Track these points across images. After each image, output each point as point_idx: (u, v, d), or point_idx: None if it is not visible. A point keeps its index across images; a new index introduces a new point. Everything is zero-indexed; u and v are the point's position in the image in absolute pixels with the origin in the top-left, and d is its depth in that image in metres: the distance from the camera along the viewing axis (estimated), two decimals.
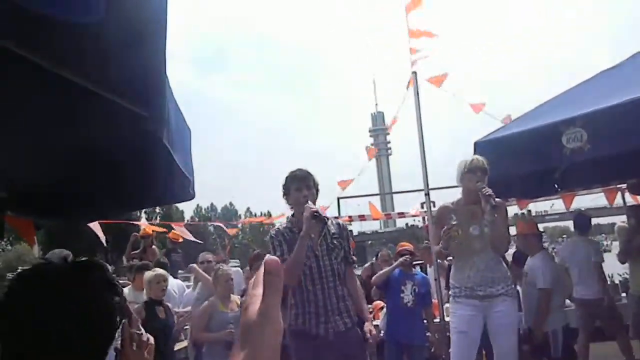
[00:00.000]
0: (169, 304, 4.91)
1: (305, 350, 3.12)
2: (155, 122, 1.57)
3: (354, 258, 3.41)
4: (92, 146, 2.25)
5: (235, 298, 4.74)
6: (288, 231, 3.27)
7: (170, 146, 1.69)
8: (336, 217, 3.47)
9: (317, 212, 3.08)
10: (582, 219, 6.12)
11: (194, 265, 5.69)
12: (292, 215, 3.38)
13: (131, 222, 8.51)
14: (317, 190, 3.34)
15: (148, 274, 4.56)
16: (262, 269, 0.65)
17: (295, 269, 3.10)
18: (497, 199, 3.56)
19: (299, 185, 3.26)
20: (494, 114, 5.94)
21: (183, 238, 8.08)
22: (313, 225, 3.08)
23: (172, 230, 8.13)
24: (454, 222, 3.57)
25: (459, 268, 3.72)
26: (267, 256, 0.66)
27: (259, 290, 0.63)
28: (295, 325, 3.16)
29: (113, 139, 2.08)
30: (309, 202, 3.17)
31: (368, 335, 3.24)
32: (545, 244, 5.85)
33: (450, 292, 3.84)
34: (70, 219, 3.35)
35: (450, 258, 4.03)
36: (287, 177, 3.34)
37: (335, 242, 3.28)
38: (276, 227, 3.45)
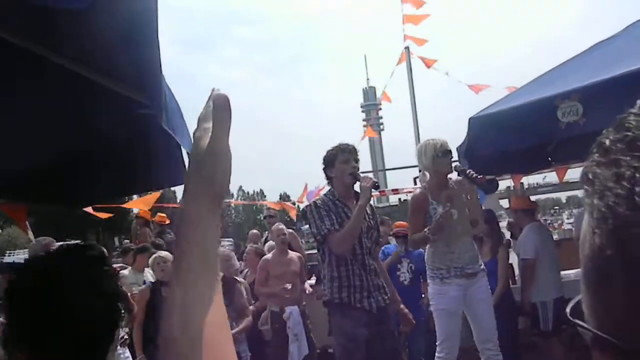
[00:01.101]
0: None
1: (349, 323, 3.15)
2: (152, 108, 1.55)
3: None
4: (89, 133, 2.22)
5: None
6: (331, 203, 3.29)
7: (171, 130, 1.67)
8: None
9: (377, 182, 3.17)
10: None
11: None
12: (330, 188, 3.42)
13: (123, 205, 8.43)
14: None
15: (153, 257, 4.60)
16: (211, 102, 0.66)
17: (352, 237, 3.14)
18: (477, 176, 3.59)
19: (348, 157, 3.29)
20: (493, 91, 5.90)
21: (171, 220, 8.02)
22: (370, 196, 3.17)
23: (158, 213, 8.06)
24: (447, 209, 3.51)
25: (444, 251, 3.68)
26: (215, 92, 0.67)
27: (209, 124, 0.65)
28: (340, 299, 3.18)
29: (110, 125, 2.05)
30: (364, 174, 3.27)
31: (408, 316, 3.48)
32: (538, 215, 5.89)
33: (432, 274, 3.78)
34: (63, 204, 3.32)
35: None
36: (333, 148, 3.34)
37: (371, 222, 3.36)
38: (318, 198, 3.46)
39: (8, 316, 1.08)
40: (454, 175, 3.76)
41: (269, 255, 5.26)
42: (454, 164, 3.64)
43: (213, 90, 0.68)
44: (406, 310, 3.56)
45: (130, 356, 3.86)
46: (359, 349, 3.10)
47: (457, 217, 3.63)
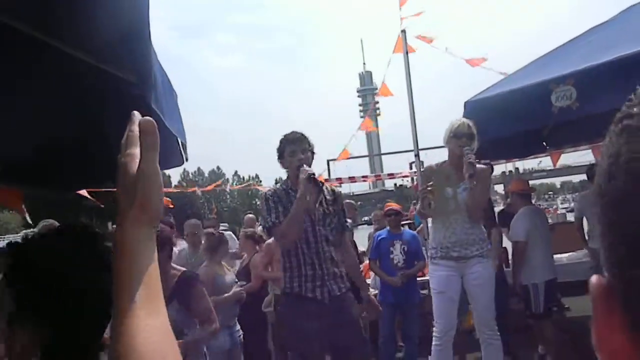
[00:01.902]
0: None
1: (301, 314, 3.12)
2: (142, 87, 1.54)
3: (348, 224, 3.42)
4: (80, 114, 2.21)
5: (223, 262, 4.80)
6: (284, 193, 3.22)
7: (159, 111, 1.66)
8: (327, 180, 3.45)
9: (313, 174, 3.04)
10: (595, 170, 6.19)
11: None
12: (287, 177, 3.34)
13: (113, 190, 8.41)
14: (313, 153, 3.29)
15: None
16: (135, 128, 0.66)
17: (292, 230, 3.08)
18: (481, 165, 3.58)
19: (294, 149, 3.20)
20: (492, 69, 5.85)
21: (173, 204, 8.05)
22: (309, 188, 3.05)
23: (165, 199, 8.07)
24: (430, 183, 3.57)
25: (437, 229, 3.75)
26: (137, 116, 0.67)
27: (136, 150, 0.65)
28: (291, 288, 3.17)
29: (100, 105, 2.04)
30: (304, 165, 3.12)
31: (373, 302, 3.39)
32: (532, 201, 5.93)
33: (428, 253, 3.88)
34: (55, 188, 3.31)
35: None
36: (281, 140, 3.27)
37: (330, 208, 3.26)
38: (271, 187, 3.42)
39: (9, 293, 1.08)
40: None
41: (272, 240, 5.25)
42: (464, 148, 3.58)
43: (134, 114, 0.68)
44: (372, 297, 3.53)
45: None
46: (308, 342, 3.07)
47: (450, 198, 3.65)
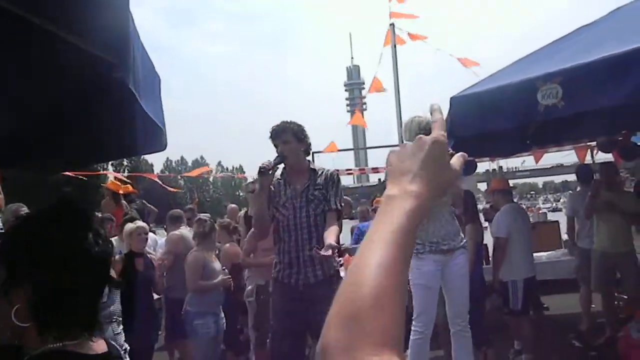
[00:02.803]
0: (152, 256, 4.94)
1: (279, 299, 3.26)
2: (120, 68, 1.49)
3: (340, 205, 3.35)
4: (58, 93, 2.15)
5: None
6: (276, 182, 3.37)
7: (137, 93, 1.61)
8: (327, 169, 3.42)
9: (264, 168, 3.15)
10: (584, 170, 6.26)
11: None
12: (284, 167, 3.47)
13: (97, 173, 8.32)
14: (301, 139, 3.34)
15: (129, 226, 4.62)
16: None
17: (257, 223, 3.31)
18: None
19: (276, 142, 3.32)
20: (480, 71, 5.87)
21: (150, 191, 7.97)
22: (263, 180, 3.18)
23: (124, 185, 7.89)
24: None
25: (422, 226, 3.73)
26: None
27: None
28: (275, 274, 3.30)
29: (78, 85, 1.99)
30: (267, 160, 3.21)
31: (328, 252, 3.02)
32: (514, 200, 5.96)
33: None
34: (37, 169, 3.25)
35: None
36: (270, 133, 3.39)
37: (316, 193, 3.28)
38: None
39: (6, 258, 1.14)
40: None
41: None
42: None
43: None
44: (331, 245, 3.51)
45: (122, 332, 3.82)
46: (285, 320, 3.20)
47: None
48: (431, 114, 0.78)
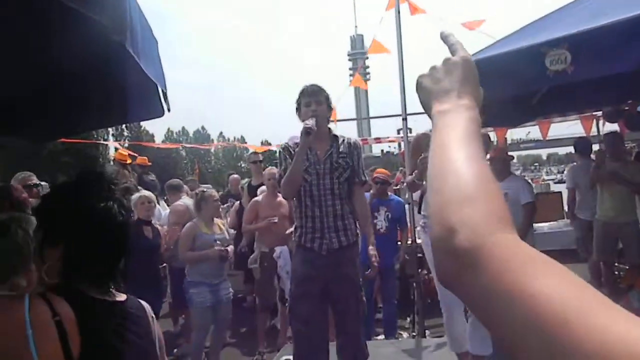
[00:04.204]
0: (158, 225, 4.98)
1: (301, 263, 3.22)
2: (117, 30, 1.45)
3: (364, 178, 3.35)
4: (52, 56, 2.10)
5: (219, 221, 4.79)
6: (296, 146, 3.23)
7: (136, 54, 1.57)
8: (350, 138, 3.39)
9: (310, 128, 3.05)
10: (582, 143, 6.20)
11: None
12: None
13: (98, 142, 8.36)
14: (329, 105, 3.32)
15: (135, 196, 4.65)
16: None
17: (290, 183, 3.16)
18: None
19: (309, 100, 3.23)
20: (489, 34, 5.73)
21: (152, 162, 8.03)
22: (307, 141, 3.07)
23: (139, 156, 8.08)
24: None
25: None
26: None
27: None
28: (297, 238, 3.26)
29: (74, 48, 1.94)
30: (310, 118, 3.12)
31: (373, 259, 3.45)
32: (518, 172, 5.92)
33: (421, 223, 3.83)
34: (30, 136, 3.20)
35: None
36: (299, 93, 3.30)
37: (340, 161, 3.25)
38: (286, 141, 3.42)
39: (44, 221, 1.29)
40: None
41: (259, 197, 5.46)
42: None
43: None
44: (372, 253, 3.51)
45: None
46: (307, 284, 3.16)
47: None
48: (445, 39, 0.78)
